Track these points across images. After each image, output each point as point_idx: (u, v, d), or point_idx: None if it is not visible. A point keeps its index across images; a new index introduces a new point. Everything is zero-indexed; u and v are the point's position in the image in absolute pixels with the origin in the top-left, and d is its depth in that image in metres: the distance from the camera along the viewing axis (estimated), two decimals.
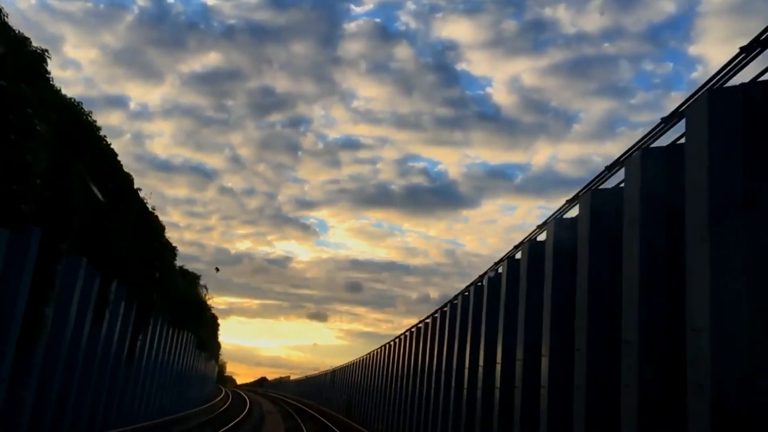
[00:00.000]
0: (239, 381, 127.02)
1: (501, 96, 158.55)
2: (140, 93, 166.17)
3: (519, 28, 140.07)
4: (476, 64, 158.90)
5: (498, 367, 10.52)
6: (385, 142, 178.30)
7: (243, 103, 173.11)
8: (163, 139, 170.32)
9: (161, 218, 19.88)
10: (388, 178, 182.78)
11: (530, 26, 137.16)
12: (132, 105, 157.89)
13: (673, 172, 5.60)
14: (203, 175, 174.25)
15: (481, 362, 11.74)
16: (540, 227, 9.36)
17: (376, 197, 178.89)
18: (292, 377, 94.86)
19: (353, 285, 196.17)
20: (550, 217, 8.94)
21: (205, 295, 32.06)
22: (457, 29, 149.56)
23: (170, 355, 25.19)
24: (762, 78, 5.00)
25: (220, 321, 50.58)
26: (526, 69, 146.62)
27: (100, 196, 15.84)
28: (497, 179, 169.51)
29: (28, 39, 10.28)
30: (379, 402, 26.11)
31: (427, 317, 18.71)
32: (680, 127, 5.90)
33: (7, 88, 8.89)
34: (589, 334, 6.98)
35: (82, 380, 14.47)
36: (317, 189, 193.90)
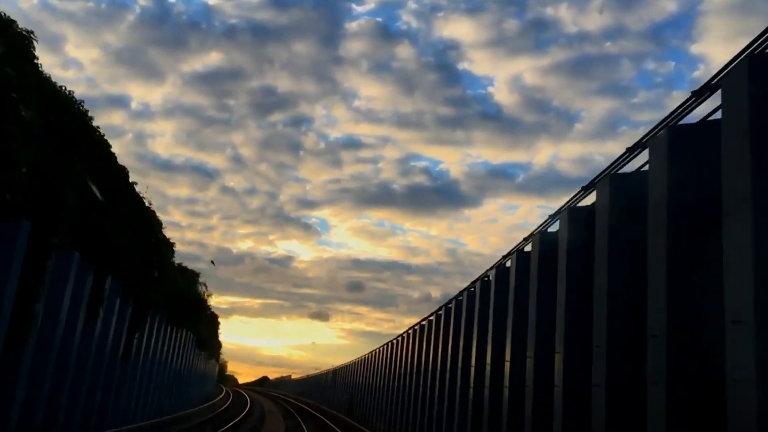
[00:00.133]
0: (241, 380, 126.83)
1: (502, 95, 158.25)
2: (142, 93, 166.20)
3: (520, 27, 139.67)
4: (478, 63, 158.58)
5: (507, 365, 10.04)
6: (387, 142, 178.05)
7: (244, 102, 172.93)
8: (164, 139, 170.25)
9: (163, 218, 19.49)
10: (389, 177, 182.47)
11: (532, 25, 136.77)
12: (133, 105, 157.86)
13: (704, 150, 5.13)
14: (205, 174, 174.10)
15: (488, 359, 11.26)
16: (552, 217, 8.88)
17: (378, 197, 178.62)
18: (294, 376, 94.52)
19: (355, 284, 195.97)
20: (563, 206, 8.45)
21: (205, 293, 31.61)
22: (459, 28, 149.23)
23: (168, 353, 24.73)
24: None
25: (221, 320, 50.19)
26: (527, 68, 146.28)
27: (98, 194, 15.39)
28: (499, 178, 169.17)
29: (14, 21, 9.80)
30: (381, 401, 25.64)
31: (431, 314, 18.23)
32: (710, 102, 5.49)
33: None
34: (609, 329, 6.49)
35: (75, 379, 14.02)
36: (319, 188, 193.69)
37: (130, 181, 16.71)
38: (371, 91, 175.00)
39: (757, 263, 4.45)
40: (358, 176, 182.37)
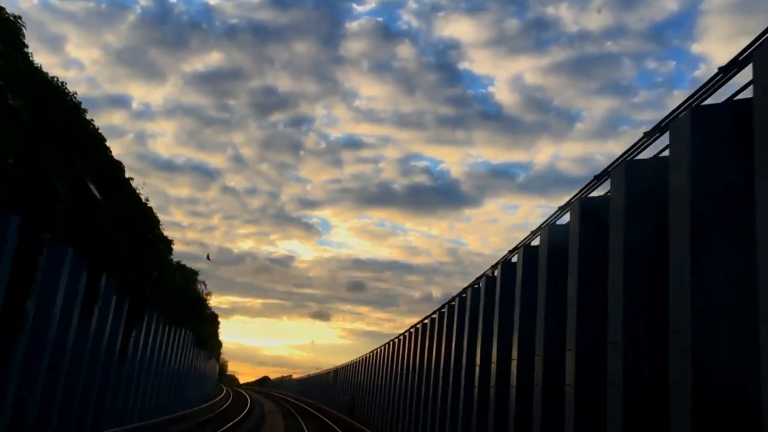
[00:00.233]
0: (242, 380, 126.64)
1: (503, 95, 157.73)
2: (142, 93, 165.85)
3: (521, 26, 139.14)
4: (478, 63, 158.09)
5: (514, 363, 9.67)
6: (388, 142, 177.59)
7: (245, 102, 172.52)
8: (165, 139, 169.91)
9: (164, 218, 19.19)
10: (390, 177, 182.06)
11: (532, 25, 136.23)
12: (134, 105, 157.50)
13: None
14: (205, 174, 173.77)
15: (494, 358, 10.89)
16: (562, 208, 8.50)
17: (379, 196, 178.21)
18: (295, 376, 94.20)
19: (356, 284, 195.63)
20: (574, 197, 8.08)
21: (204, 291, 31.25)
22: (459, 28, 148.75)
23: (166, 352, 24.37)
24: None
25: (222, 320, 49.88)
26: (528, 68, 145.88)
27: (93, 189, 15.05)
28: (499, 178, 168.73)
29: (2, 8, 9.44)
30: (383, 401, 25.27)
31: (434, 312, 17.86)
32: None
33: None
34: (625, 326, 6.12)
35: (70, 378, 13.67)
36: (319, 188, 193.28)
37: (127, 176, 16.36)
38: (372, 91, 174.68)
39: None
40: (359, 176, 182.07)
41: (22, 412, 11.79)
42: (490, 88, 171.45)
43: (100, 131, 13.84)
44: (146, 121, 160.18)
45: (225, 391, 53.77)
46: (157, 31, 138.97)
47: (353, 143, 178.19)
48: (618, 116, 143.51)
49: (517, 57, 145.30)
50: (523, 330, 9.48)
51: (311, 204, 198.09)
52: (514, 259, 10.96)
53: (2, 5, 9.69)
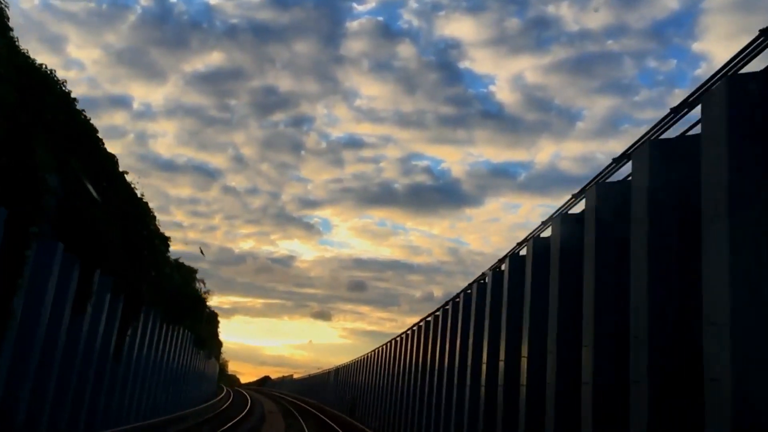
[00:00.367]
0: (243, 380, 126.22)
1: (504, 94, 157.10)
2: (143, 93, 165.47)
3: (522, 25, 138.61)
4: (479, 62, 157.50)
5: (524, 361, 9.19)
6: (388, 141, 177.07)
7: (246, 102, 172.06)
8: (166, 139, 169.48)
9: (165, 218, 18.82)
10: (391, 176, 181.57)
11: (533, 24, 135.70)
12: (135, 105, 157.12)
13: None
14: (206, 174, 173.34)
15: (502, 356, 10.41)
16: (577, 196, 8.01)
17: (380, 196, 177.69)
18: (296, 376, 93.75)
19: (357, 284, 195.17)
20: (591, 182, 7.59)
21: (203, 290, 30.75)
22: (460, 27, 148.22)
23: (164, 352, 23.88)
24: None
25: (223, 320, 49.47)
26: (529, 67, 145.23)
27: (92, 190, 14.58)
28: (500, 177, 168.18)
29: None
30: (384, 401, 24.79)
31: (437, 310, 17.39)
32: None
33: None
34: (651, 320, 5.64)
35: (61, 377, 13.20)
36: (320, 188, 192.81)
37: (121, 170, 15.89)
38: (372, 91, 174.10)
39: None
40: (360, 176, 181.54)
41: (11, 411, 11.34)
42: (491, 88, 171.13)
43: (92, 122, 13.35)
44: (147, 121, 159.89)
45: (225, 391, 53.33)
46: (157, 31, 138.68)
47: (354, 143, 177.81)
48: (619, 115, 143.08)
49: (517, 56, 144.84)
50: (534, 326, 9.00)
51: (312, 204, 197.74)
52: (523, 252, 10.48)
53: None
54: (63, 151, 12.16)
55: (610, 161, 6.89)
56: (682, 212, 5.50)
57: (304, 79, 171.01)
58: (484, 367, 11.47)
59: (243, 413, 30.78)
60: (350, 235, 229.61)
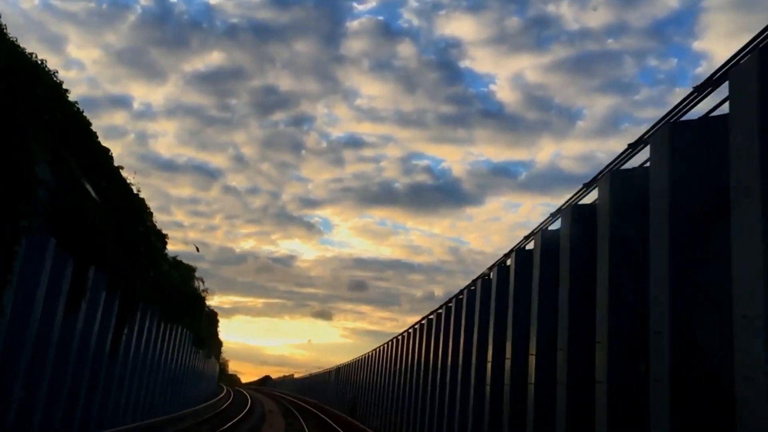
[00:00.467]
0: (244, 380, 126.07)
1: (504, 93, 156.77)
2: (143, 93, 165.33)
3: (522, 24, 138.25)
4: (479, 61, 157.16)
5: (532, 359, 8.82)
6: (389, 140, 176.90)
7: (246, 102, 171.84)
8: (166, 139, 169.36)
9: (165, 218, 18.50)
10: (391, 176, 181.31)
11: (533, 23, 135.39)
12: (135, 105, 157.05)
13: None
14: (207, 174, 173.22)
15: (508, 354, 10.04)
16: (588, 185, 7.64)
17: (380, 195, 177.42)
18: (296, 375, 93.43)
19: (357, 283, 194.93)
20: (604, 170, 7.22)
21: (201, 288, 30.37)
22: (460, 26, 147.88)
23: (162, 351, 23.52)
24: None
25: (224, 320, 49.15)
26: (529, 66, 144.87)
27: (91, 190, 14.25)
28: (501, 177, 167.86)
29: None
30: (386, 400, 24.43)
31: (440, 307, 17.01)
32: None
33: None
34: (672, 314, 5.28)
35: (55, 376, 12.84)
36: (321, 187, 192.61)
37: (116, 165, 15.53)
38: (373, 90, 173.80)
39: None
40: (360, 175, 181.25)
41: (2, 411, 10.99)
42: (491, 87, 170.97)
43: (85, 114, 12.99)
44: (147, 121, 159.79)
45: (225, 390, 53.01)
46: (157, 31, 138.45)
47: (354, 142, 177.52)
48: (619, 114, 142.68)
49: (518, 55, 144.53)
50: (543, 322, 8.63)
51: (312, 203, 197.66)
52: (529, 245, 10.12)
53: None
54: (55, 142, 11.80)
55: (625, 147, 6.50)
56: (705, 200, 5.13)
57: (304, 79, 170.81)
58: (489, 365, 11.10)
59: (243, 413, 30.43)
60: (351, 235, 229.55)
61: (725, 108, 5.13)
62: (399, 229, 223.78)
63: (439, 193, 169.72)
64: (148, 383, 21.60)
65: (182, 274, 26.80)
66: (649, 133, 6.04)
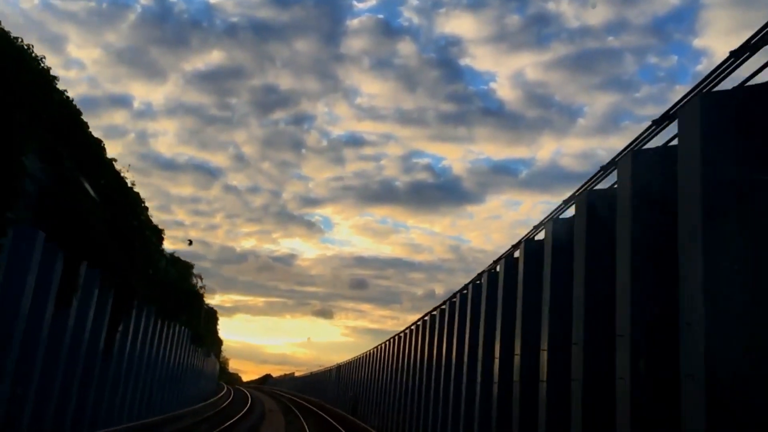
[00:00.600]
0: (245, 378, 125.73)
1: (505, 91, 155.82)
2: (144, 92, 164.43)
3: (522, 22, 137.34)
4: (480, 59, 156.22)
5: (543, 354, 8.35)
6: (389, 139, 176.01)
7: (246, 101, 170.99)
8: (167, 138, 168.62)
9: (166, 217, 18.05)
10: (392, 174, 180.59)
11: (534, 20, 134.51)
12: (136, 104, 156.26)
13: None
14: (207, 173, 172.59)
15: (517, 350, 9.57)
16: (606, 168, 7.15)
17: (381, 194, 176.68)
18: (297, 374, 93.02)
19: (358, 282, 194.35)
20: (623, 151, 6.73)
21: (199, 285, 29.89)
22: (461, 24, 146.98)
23: (159, 349, 23.05)
24: None
25: (225, 319, 48.75)
26: (529, 63, 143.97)
27: (92, 191, 13.81)
28: (501, 175, 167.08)
29: None
30: (388, 399, 23.97)
31: (443, 303, 16.55)
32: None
33: None
34: (707, 305, 4.80)
35: (44, 374, 12.38)
36: (321, 186, 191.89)
37: (108, 157, 15.05)
38: (373, 88, 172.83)
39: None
40: (361, 174, 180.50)
41: None
42: (492, 85, 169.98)
43: (74, 103, 12.50)
44: (148, 120, 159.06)
45: (225, 389, 52.60)
46: (157, 30, 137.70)
47: (355, 141, 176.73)
48: (620, 111, 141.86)
49: (518, 53, 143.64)
50: (555, 315, 8.16)
51: (313, 202, 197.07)
52: (539, 236, 9.64)
53: None
54: (44, 133, 11.32)
55: (648, 124, 6.07)
56: (740, 176, 4.68)
57: (304, 78, 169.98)
58: (496, 362, 10.63)
59: (242, 412, 29.98)
60: (351, 233, 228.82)
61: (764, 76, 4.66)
62: (400, 227, 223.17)
63: (439, 192, 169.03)
64: (144, 382, 21.14)
65: (180, 270, 26.34)
66: (678, 106, 5.56)
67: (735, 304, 4.66)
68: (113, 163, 15.51)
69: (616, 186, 6.80)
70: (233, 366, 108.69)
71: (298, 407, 39.81)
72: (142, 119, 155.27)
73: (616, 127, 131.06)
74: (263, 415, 31.56)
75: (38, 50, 10.48)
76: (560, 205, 8.46)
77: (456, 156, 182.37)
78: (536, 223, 9.77)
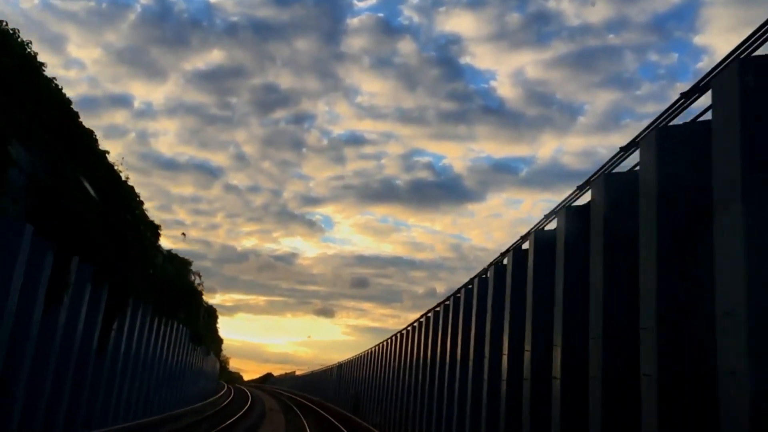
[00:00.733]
0: (246, 377, 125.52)
1: (505, 89, 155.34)
2: (144, 92, 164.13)
3: (522, 20, 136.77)
4: (480, 57, 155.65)
5: (557, 350, 7.87)
6: (390, 138, 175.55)
7: (247, 100, 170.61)
8: (167, 138, 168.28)
9: (167, 216, 17.57)
10: (393, 173, 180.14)
11: (534, 18, 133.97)
12: (136, 104, 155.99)
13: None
14: (208, 172, 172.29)
15: (527, 345, 9.09)
16: (626, 149, 6.66)
17: (381, 192, 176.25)
18: (298, 373, 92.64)
19: (359, 280, 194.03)
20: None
21: (197, 283, 29.39)
22: (461, 23, 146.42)
23: (156, 348, 22.58)
24: None
25: (227, 318, 48.33)
26: (530, 62, 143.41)
27: (91, 191, 13.35)
28: (502, 173, 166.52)
29: None
30: (390, 397, 23.51)
31: (447, 299, 16.07)
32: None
33: None
34: (751, 294, 4.32)
35: (34, 373, 11.90)
36: (322, 185, 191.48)
37: (101, 149, 14.57)
38: (373, 87, 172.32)
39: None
40: (362, 172, 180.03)
41: None
42: (492, 83, 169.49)
43: (64, 92, 12.01)
44: (148, 120, 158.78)
45: (226, 388, 52.23)
46: (157, 30, 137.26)
47: (355, 140, 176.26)
48: (621, 109, 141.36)
49: (518, 51, 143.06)
50: (569, 308, 7.67)
51: (314, 201, 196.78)
52: (550, 226, 9.16)
53: None
54: (31, 120, 10.84)
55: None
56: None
57: (304, 77, 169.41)
58: (504, 358, 10.16)
59: (242, 411, 29.55)
60: (352, 232, 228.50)
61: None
62: (400, 226, 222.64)
63: (440, 190, 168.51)
64: (141, 381, 20.67)
65: (177, 268, 25.87)
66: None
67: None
68: (106, 155, 15.03)
69: (637, 168, 6.31)
70: (234, 365, 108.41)
71: (298, 406, 39.41)
72: (142, 119, 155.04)
73: (617, 125, 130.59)
74: (264, 414, 31.14)
75: (38, 50, 10.11)
76: (574, 191, 7.96)
77: (456, 154, 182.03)
78: (537, 221, 9.34)
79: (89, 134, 13.60)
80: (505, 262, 11.12)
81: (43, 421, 12.71)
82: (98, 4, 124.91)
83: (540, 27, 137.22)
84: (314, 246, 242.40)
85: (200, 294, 30.95)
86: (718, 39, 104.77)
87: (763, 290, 4.22)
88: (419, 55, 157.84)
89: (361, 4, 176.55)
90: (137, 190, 17.90)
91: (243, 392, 53.03)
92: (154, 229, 19.69)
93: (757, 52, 4.66)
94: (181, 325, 26.66)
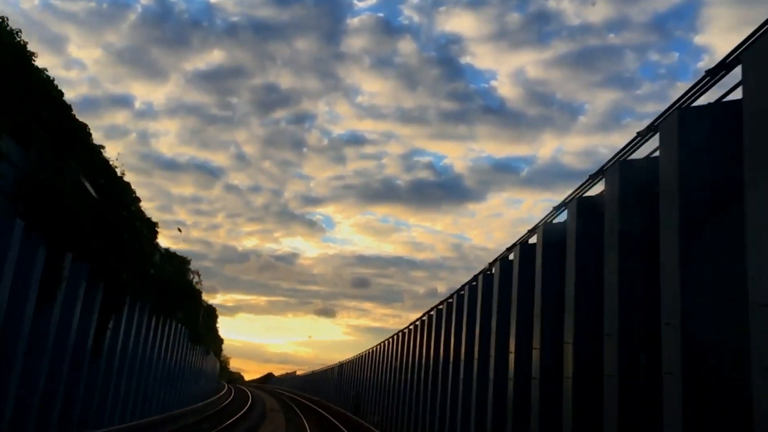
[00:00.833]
0: (247, 377, 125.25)
1: (506, 89, 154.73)
2: (145, 92, 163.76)
3: (523, 20, 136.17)
4: (480, 57, 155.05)
5: (568, 347, 7.51)
6: (390, 137, 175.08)
7: (247, 100, 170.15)
8: (168, 138, 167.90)
9: (167, 216, 17.19)
10: (393, 173, 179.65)
11: (534, 18, 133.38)
12: (137, 104, 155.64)
13: None
14: (209, 173, 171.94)
15: (536, 344, 8.74)
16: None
17: (382, 192, 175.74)
18: (299, 372, 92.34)
19: (360, 280, 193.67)
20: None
21: (196, 281, 29.03)
22: (461, 23, 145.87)
23: (154, 347, 22.23)
24: None
25: (228, 318, 48.01)
26: (530, 61, 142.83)
27: (92, 190, 12.98)
28: (503, 173, 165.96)
29: None
30: (392, 397, 23.16)
31: (449, 297, 15.72)
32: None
33: None
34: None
35: (26, 373, 11.57)
36: (323, 185, 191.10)
37: (95, 143, 14.22)
38: (374, 87, 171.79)
39: None
40: (362, 172, 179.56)
41: None
42: (493, 83, 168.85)
43: (56, 82, 11.67)
44: (149, 120, 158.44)
45: (227, 388, 51.94)
46: (158, 30, 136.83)
47: (356, 139, 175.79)
48: (621, 109, 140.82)
49: (519, 51, 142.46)
50: (581, 304, 7.32)
51: (315, 201, 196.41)
52: (560, 218, 8.81)
53: None
54: (21, 112, 10.49)
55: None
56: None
57: (305, 77, 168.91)
58: (511, 356, 9.81)
59: (242, 411, 29.22)
60: (353, 232, 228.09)
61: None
62: (401, 225, 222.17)
63: (440, 190, 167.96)
64: (139, 381, 20.32)
65: (176, 266, 25.51)
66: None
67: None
68: (101, 149, 14.68)
69: (656, 154, 5.95)
70: (235, 365, 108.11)
71: (299, 406, 39.08)
72: (143, 119, 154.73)
73: (618, 125, 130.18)
74: (264, 414, 30.81)
75: (39, 51, 9.78)
76: (586, 180, 7.60)
77: (457, 154, 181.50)
78: (537, 221, 8.98)
79: (83, 128, 13.24)
80: (511, 257, 10.76)
81: (35, 420, 12.38)
82: (98, 5, 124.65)
83: (540, 27, 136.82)
84: (315, 246, 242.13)
85: (199, 293, 30.61)
86: (719, 38, 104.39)
87: None
88: (419, 55, 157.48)
89: (361, 4, 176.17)
90: (138, 190, 17.60)
91: (244, 392, 52.73)
92: (151, 227, 19.33)
93: None
94: (179, 325, 26.31)
